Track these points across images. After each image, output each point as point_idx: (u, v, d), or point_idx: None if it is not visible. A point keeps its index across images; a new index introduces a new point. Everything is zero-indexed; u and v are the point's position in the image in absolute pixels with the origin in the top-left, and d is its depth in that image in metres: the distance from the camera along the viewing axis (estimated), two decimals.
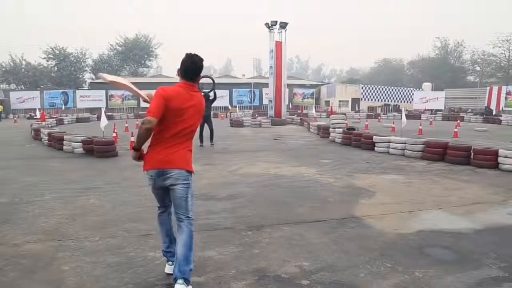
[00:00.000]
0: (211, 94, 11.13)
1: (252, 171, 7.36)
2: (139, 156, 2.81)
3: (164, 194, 2.84)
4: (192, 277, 2.86)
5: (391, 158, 9.09)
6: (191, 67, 2.74)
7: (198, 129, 11.27)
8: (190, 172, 2.76)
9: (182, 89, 2.74)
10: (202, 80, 11.93)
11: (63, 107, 35.81)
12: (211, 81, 11.34)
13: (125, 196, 5.44)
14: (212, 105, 11.62)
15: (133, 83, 3.33)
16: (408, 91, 40.49)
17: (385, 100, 39.87)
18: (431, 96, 38.53)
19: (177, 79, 2.82)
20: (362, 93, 39.61)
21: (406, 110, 23.97)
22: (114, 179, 6.68)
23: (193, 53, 2.77)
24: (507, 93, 31.85)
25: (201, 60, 2.76)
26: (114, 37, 63.14)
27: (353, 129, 11.98)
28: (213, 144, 11.51)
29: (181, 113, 2.68)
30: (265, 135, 15.80)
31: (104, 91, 37.46)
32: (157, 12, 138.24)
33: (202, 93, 11.14)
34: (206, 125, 11.23)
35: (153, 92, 2.83)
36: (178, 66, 2.77)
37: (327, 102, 41.43)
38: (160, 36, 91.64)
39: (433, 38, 75.81)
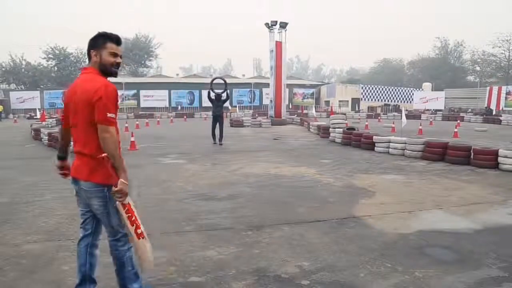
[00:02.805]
0: (223, 94, 11.54)
1: (252, 171, 7.36)
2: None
3: (85, 211, 2.37)
4: (192, 277, 2.87)
5: (391, 158, 9.09)
6: (97, 35, 2.29)
7: (211, 127, 11.71)
8: (102, 184, 2.19)
9: (79, 78, 2.32)
10: (215, 81, 12.25)
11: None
12: (223, 82, 11.87)
13: None
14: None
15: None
16: (408, 91, 40.51)
17: (385, 100, 39.89)
18: (431, 96, 38.54)
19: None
20: (362, 93, 39.62)
21: (406, 110, 23.97)
22: None
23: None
24: (507, 93, 31.88)
25: (116, 35, 2.33)
26: None
27: (353, 129, 11.98)
28: (221, 144, 11.64)
29: (66, 110, 2.33)
30: (265, 135, 15.79)
31: None
32: (157, 12, 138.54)
33: (214, 93, 11.56)
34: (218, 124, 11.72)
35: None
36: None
37: (327, 102, 41.48)
38: (160, 36, 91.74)
39: (433, 38, 75.91)
